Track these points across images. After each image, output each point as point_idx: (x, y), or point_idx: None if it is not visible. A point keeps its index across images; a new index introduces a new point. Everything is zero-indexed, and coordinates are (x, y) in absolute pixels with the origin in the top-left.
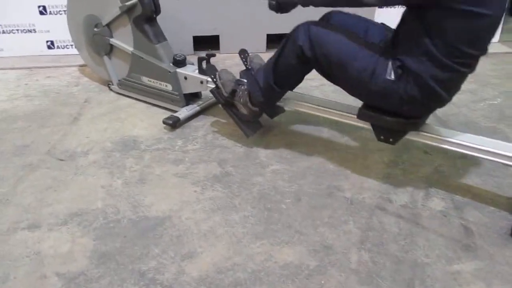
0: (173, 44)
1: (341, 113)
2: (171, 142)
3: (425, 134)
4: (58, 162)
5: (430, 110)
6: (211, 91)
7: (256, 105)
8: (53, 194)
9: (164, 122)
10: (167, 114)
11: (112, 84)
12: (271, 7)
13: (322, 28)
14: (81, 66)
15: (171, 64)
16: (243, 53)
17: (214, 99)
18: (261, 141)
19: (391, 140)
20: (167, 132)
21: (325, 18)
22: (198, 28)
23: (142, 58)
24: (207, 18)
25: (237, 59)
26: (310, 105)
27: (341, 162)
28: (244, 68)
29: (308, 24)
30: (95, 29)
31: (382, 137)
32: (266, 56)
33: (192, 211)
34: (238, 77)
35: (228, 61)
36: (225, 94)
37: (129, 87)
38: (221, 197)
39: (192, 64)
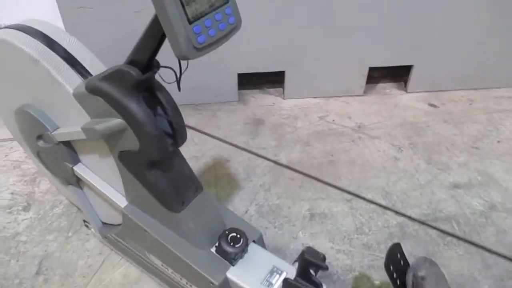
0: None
1: None
2: None
3: None
4: None
5: None
6: None
7: None
8: None
9: None
10: None
11: (90, 225)
12: None
13: None
14: (12, 139)
15: (215, 253)
16: (397, 257)
17: None
18: None
19: None
20: None
21: None
22: (244, 63)
23: (147, 232)
24: (267, 46)
25: (318, 111)
26: None
27: None
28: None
29: None
30: (40, 144)
31: None
32: (364, 101)
33: None
34: None
35: (299, 124)
36: None
37: (124, 250)
38: None
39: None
